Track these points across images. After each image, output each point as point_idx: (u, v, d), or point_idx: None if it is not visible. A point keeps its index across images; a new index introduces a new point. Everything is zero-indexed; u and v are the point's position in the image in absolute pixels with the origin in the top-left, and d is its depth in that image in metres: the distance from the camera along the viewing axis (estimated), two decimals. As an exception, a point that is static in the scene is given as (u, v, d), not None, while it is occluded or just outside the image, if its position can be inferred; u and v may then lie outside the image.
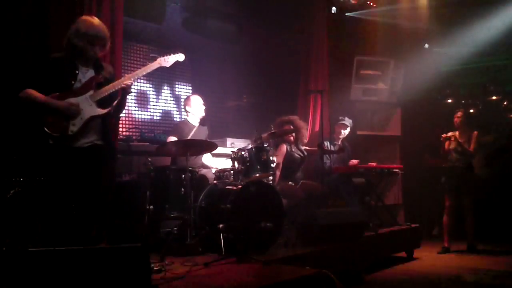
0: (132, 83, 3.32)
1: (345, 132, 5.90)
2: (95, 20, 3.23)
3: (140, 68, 3.57)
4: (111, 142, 3.48)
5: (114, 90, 3.22)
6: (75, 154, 3.08)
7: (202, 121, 4.82)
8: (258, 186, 3.99)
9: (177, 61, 3.59)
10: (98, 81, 3.21)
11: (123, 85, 3.23)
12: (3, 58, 3.74)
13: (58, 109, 3.03)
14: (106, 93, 3.18)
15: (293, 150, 5.12)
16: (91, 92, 3.16)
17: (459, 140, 5.57)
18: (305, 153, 5.24)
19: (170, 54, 3.55)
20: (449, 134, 5.63)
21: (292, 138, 5.13)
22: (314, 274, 3.01)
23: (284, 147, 5.05)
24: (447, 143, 5.66)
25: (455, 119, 5.76)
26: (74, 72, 3.17)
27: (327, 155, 5.65)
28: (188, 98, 4.86)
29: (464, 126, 5.69)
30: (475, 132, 5.64)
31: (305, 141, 5.38)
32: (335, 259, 4.06)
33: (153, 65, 3.45)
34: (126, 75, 3.35)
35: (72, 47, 3.15)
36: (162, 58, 3.49)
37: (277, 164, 4.58)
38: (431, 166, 6.03)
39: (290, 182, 4.96)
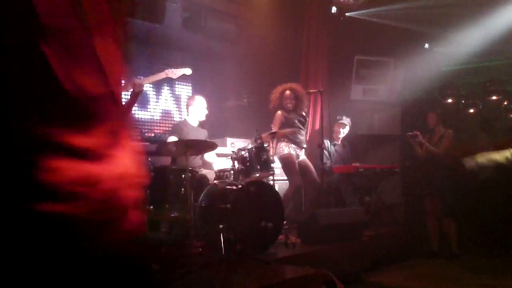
0: (142, 87, 3.37)
1: (344, 131, 5.90)
2: None
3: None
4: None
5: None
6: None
7: (201, 124, 4.82)
8: (258, 186, 3.99)
9: (184, 74, 3.65)
10: None
11: (134, 89, 3.29)
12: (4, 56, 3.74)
13: None
14: None
15: (290, 115, 5.12)
16: None
17: (421, 140, 5.29)
18: (307, 118, 5.26)
19: (178, 68, 3.62)
20: (414, 133, 5.35)
21: (290, 105, 5.14)
22: (314, 274, 3.02)
23: (279, 114, 5.08)
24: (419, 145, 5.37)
25: (429, 121, 5.50)
26: None
27: (327, 155, 5.66)
28: (192, 97, 4.87)
29: (439, 126, 5.42)
30: (449, 131, 5.35)
31: (306, 110, 5.41)
32: (335, 259, 4.06)
33: (160, 75, 3.53)
34: (135, 80, 3.38)
35: None
36: (170, 70, 3.57)
37: (273, 133, 4.56)
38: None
39: (291, 145, 4.99)
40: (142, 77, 5.46)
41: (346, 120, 5.89)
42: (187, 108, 4.84)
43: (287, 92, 5.16)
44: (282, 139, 4.99)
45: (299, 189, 5.03)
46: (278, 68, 6.72)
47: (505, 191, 6.17)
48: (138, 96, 3.41)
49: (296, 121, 5.11)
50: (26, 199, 1.84)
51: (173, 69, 3.60)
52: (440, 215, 5.32)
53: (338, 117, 5.91)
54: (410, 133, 5.37)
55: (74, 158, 1.81)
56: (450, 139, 5.30)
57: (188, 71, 3.67)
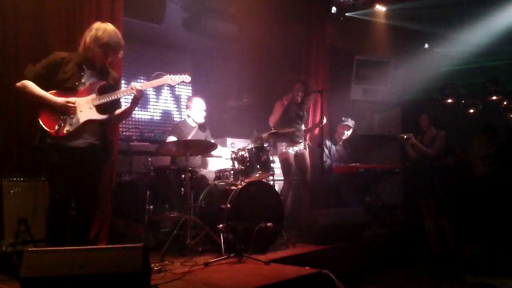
0: (142, 92, 3.33)
1: (348, 133, 5.88)
2: (115, 29, 3.22)
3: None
4: (110, 142, 3.48)
5: (116, 97, 3.23)
6: (73, 154, 3.07)
7: (201, 126, 4.80)
8: (258, 186, 3.99)
9: (183, 81, 3.62)
10: (102, 86, 3.21)
11: (134, 94, 3.26)
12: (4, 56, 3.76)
13: (54, 104, 3.01)
14: (108, 99, 3.17)
15: (291, 107, 5.08)
16: (93, 95, 3.15)
17: (414, 142, 5.23)
18: (305, 113, 5.29)
19: (177, 74, 3.59)
20: (407, 135, 5.29)
21: (299, 98, 5.13)
22: (314, 274, 3.02)
23: (280, 104, 5.03)
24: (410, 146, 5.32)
25: (421, 123, 5.41)
26: (80, 74, 3.16)
27: (327, 154, 5.66)
28: (190, 99, 4.85)
29: (431, 128, 5.35)
30: (442, 132, 5.28)
31: (309, 104, 5.45)
32: (335, 259, 4.06)
33: (159, 81, 3.50)
34: (133, 84, 3.34)
35: (87, 52, 3.14)
36: (169, 76, 3.52)
37: (273, 133, 4.55)
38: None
39: (288, 142, 4.99)
40: (142, 78, 5.53)
41: (351, 122, 5.86)
42: (186, 109, 4.84)
43: (298, 84, 5.16)
44: (280, 138, 5.00)
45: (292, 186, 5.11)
46: (278, 68, 6.72)
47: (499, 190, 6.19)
48: (138, 101, 3.38)
49: (293, 114, 5.08)
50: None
51: (172, 76, 3.55)
52: (435, 216, 5.32)
53: (343, 118, 5.88)
54: (403, 135, 5.37)
55: None
56: (442, 140, 5.27)
57: (187, 78, 3.62)
